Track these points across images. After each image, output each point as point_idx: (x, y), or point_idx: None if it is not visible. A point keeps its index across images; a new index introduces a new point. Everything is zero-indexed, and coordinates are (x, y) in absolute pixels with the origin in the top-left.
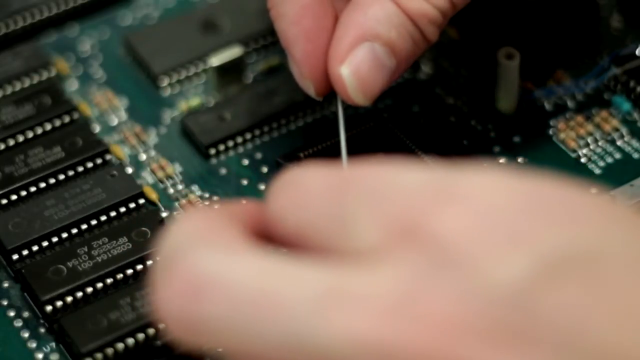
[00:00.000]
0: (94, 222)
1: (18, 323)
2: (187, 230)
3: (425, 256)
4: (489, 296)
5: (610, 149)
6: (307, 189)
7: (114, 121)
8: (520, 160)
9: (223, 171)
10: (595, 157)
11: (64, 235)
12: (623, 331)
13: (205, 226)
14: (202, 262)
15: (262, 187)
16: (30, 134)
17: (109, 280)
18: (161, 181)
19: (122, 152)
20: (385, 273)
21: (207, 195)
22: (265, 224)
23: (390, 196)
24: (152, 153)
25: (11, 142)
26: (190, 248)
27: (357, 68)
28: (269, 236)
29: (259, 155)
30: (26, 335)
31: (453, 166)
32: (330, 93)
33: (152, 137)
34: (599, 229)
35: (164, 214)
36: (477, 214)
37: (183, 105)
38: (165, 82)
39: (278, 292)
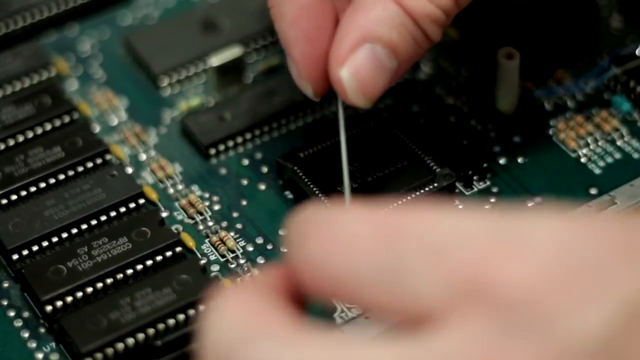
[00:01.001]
0: (94, 222)
1: (18, 323)
2: (233, 322)
3: (496, 315)
4: (572, 355)
5: (610, 149)
6: (349, 234)
7: (114, 121)
8: (520, 160)
9: (223, 171)
10: (595, 157)
11: (64, 235)
12: None
13: (251, 313)
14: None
15: (262, 187)
16: (30, 134)
17: (109, 280)
18: (161, 181)
19: (122, 152)
20: (456, 337)
21: (207, 195)
22: (296, 279)
23: (448, 248)
24: (152, 153)
25: (11, 142)
26: (245, 345)
27: (357, 70)
28: (301, 293)
29: (259, 155)
30: (26, 335)
31: (507, 211)
32: (329, 93)
33: (152, 137)
34: None
35: (163, 214)
36: (545, 265)
37: (183, 105)
38: (165, 82)
39: None
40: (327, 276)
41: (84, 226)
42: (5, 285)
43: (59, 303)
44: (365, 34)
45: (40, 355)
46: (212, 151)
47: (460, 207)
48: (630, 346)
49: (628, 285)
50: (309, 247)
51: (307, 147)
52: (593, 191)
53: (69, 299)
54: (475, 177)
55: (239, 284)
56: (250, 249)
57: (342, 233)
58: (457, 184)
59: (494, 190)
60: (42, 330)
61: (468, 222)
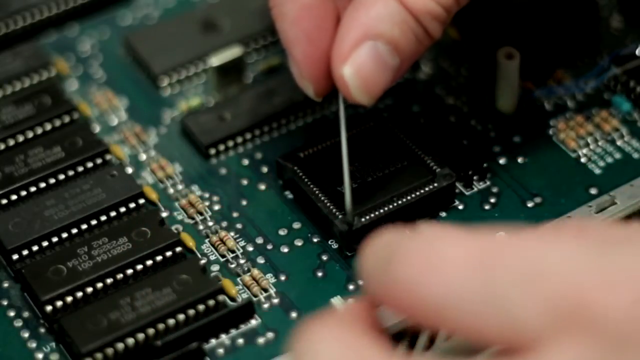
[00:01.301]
0: (94, 222)
1: (18, 323)
2: (331, 354)
3: (598, 341)
4: None
5: (610, 149)
6: (443, 257)
7: (114, 121)
8: (520, 160)
9: (223, 171)
10: (595, 157)
11: (64, 235)
12: None
13: (347, 349)
14: None
15: (262, 186)
16: (30, 134)
17: (109, 280)
18: (161, 181)
19: (122, 152)
20: None
21: (207, 195)
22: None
23: (546, 274)
24: (152, 153)
25: (11, 142)
26: None
27: (359, 67)
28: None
29: (259, 155)
30: (26, 335)
31: (604, 240)
32: (329, 93)
33: (152, 137)
34: None
35: (163, 214)
36: None
37: (183, 105)
38: (165, 82)
39: None
40: (420, 299)
41: (84, 226)
42: (5, 285)
43: (59, 303)
44: (366, 31)
45: (40, 355)
46: (212, 151)
47: (552, 231)
48: None
49: None
50: (399, 270)
51: (307, 147)
52: (593, 191)
53: (69, 299)
54: (475, 177)
55: (327, 316)
56: (250, 249)
57: (435, 256)
58: (457, 184)
59: (494, 190)
60: (42, 330)
61: (564, 249)
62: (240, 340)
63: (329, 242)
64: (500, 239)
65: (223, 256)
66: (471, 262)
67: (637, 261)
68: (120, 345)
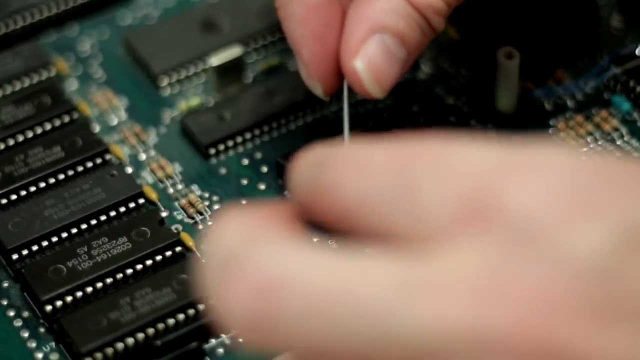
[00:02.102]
0: (94, 222)
1: (18, 323)
2: (238, 232)
3: (502, 234)
4: (575, 271)
5: (610, 148)
6: (364, 163)
7: (114, 121)
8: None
9: (223, 171)
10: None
11: (64, 235)
12: None
13: (257, 225)
14: (270, 261)
15: (262, 187)
16: (30, 134)
17: (109, 280)
18: (161, 181)
19: (122, 152)
20: (464, 255)
21: (207, 195)
22: (303, 213)
23: (458, 172)
24: (152, 153)
25: (11, 142)
26: (251, 249)
27: (370, 61)
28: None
29: (259, 155)
30: (26, 335)
31: (514, 144)
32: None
33: (152, 137)
34: None
35: (164, 214)
36: (551, 187)
37: (183, 105)
38: (165, 82)
39: (356, 289)
40: (339, 201)
41: (84, 226)
42: (5, 285)
43: (59, 303)
44: (373, 25)
45: (40, 355)
46: (212, 151)
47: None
48: (628, 269)
49: (631, 211)
50: (323, 174)
51: (307, 147)
52: None
53: (69, 299)
54: None
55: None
56: None
57: (363, 160)
58: None
59: None
60: (42, 330)
61: (477, 150)
62: (241, 340)
63: (329, 242)
64: (421, 143)
65: None
66: (392, 165)
67: (546, 159)
68: (120, 345)
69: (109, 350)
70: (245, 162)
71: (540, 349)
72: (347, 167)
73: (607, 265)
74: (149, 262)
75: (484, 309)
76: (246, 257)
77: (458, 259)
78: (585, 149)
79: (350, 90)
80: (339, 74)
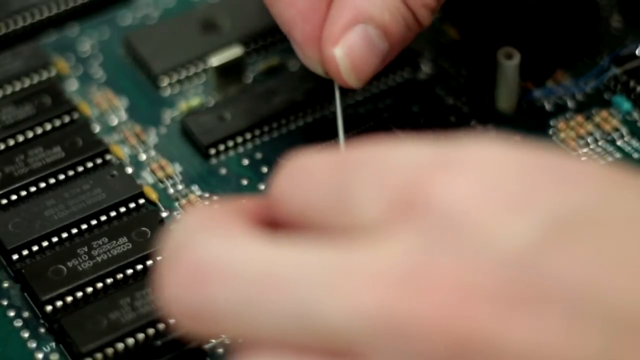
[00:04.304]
0: (94, 222)
1: (18, 323)
2: (190, 223)
3: (427, 226)
4: (496, 260)
5: (610, 149)
6: (307, 172)
7: (114, 121)
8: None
9: (223, 171)
10: (595, 157)
11: (64, 235)
12: (630, 285)
13: (209, 217)
14: (204, 248)
15: (262, 187)
16: (30, 134)
17: (109, 280)
18: (161, 181)
19: (122, 152)
20: (388, 246)
21: (207, 195)
22: (270, 214)
23: (388, 170)
24: (152, 153)
25: (11, 142)
26: (193, 236)
27: (350, 49)
28: (274, 226)
29: (259, 155)
30: (26, 335)
31: (449, 139)
32: (330, 93)
33: (152, 137)
34: (599, 189)
35: (164, 214)
36: (477, 180)
37: (183, 105)
38: (165, 82)
39: (280, 272)
40: (291, 207)
41: (84, 226)
42: (5, 285)
43: (59, 303)
44: (358, 14)
45: (40, 355)
46: (212, 151)
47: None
48: (548, 259)
49: (552, 203)
50: (278, 185)
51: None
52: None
53: (69, 299)
54: None
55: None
56: None
57: (304, 171)
58: None
59: None
60: (42, 330)
61: (408, 148)
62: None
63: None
64: (357, 148)
65: None
66: (331, 169)
67: (472, 154)
68: (120, 345)
69: (109, 351)
70: (245, 162)
71: (454, 335)
72: (292, 176)
73: (527, 256)
74: (149, 263)
75: (400, 296)
76: (185, 245)
77: (384, 248)
78: (528, 145)
79: (341, 90)
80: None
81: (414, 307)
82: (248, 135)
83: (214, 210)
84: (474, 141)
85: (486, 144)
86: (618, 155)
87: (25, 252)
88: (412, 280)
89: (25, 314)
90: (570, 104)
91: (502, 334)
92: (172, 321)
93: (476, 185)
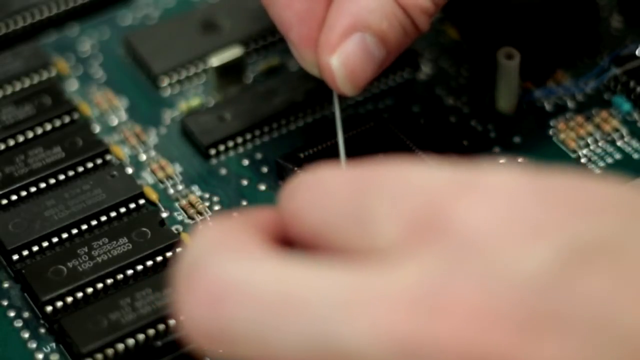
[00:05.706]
0: (94, 222)
1: (18, 323)
2: (207, 239)
3: (446, 250)
4: (514, 285)
5: (610, 149)
6: (325, 189)
7: (114, 121)
8: (520, 160)
9: (223, 171)
10: (595, 158)
11: (64, 235)
12: None
13: (225, 234)
14: (223, 268)
15: (262, 187)
16: (30, 134)
17: (109, 281)
18: (161, 181)
19: (122, 152)
20: (407, 269)
21: (207, 195)
22: (284, 227)
23: (408, 192)
24: (152, 153)
25: (11, 142)
26: (210, 256)
27: (347, 58)
28: (289, 240)
29: (259, 155)
30: (26, 335)
31: (469, 164)
32: (328, 94)
33: (152, 137)
34: (619, 217)
35: (164, 214)
36: (497, 206)
37: (183, 105)
38: (165, 82)
39: (299, 295)
40: (306, 224)
41: (84, 226)
42: (5, 285)
43: (59, 303)
44: (355, 22)
45: (40, 356)
46: (212, 151)
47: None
48: (568, 286)
49: (572, 230)
50: (292, 202)
51: (307, 147)
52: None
53: (69, 299)
54: None
55: (223, 218)
56: None
57: (320, 188)
58: None
59: None
60: (42, 330)
61: (428, 172)
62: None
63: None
64: (376, 168)
65: None
66: (349, 188)
67: (492, 180)
68: (120, 346)
69: (109, 351)
70: (245, 162)
71: (471, 359)
72: (309, 194)
73: (546, 282)
74: (149, 263)
75: (418, 320)
76: (204, 264)
77: (403, 271)
78: (538, 170)
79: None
80: None
81: (432, 330)
82: (248, 136)
83: (228, 227)
84: (494, 166)
85: (506, 170)
86: (618, 155)
87: (25, 253)
88: (430, 304)
89: (26, 315)
90: (570, 104)
91: (519, 359)
92: (173, 323)
93: (496, 211)
